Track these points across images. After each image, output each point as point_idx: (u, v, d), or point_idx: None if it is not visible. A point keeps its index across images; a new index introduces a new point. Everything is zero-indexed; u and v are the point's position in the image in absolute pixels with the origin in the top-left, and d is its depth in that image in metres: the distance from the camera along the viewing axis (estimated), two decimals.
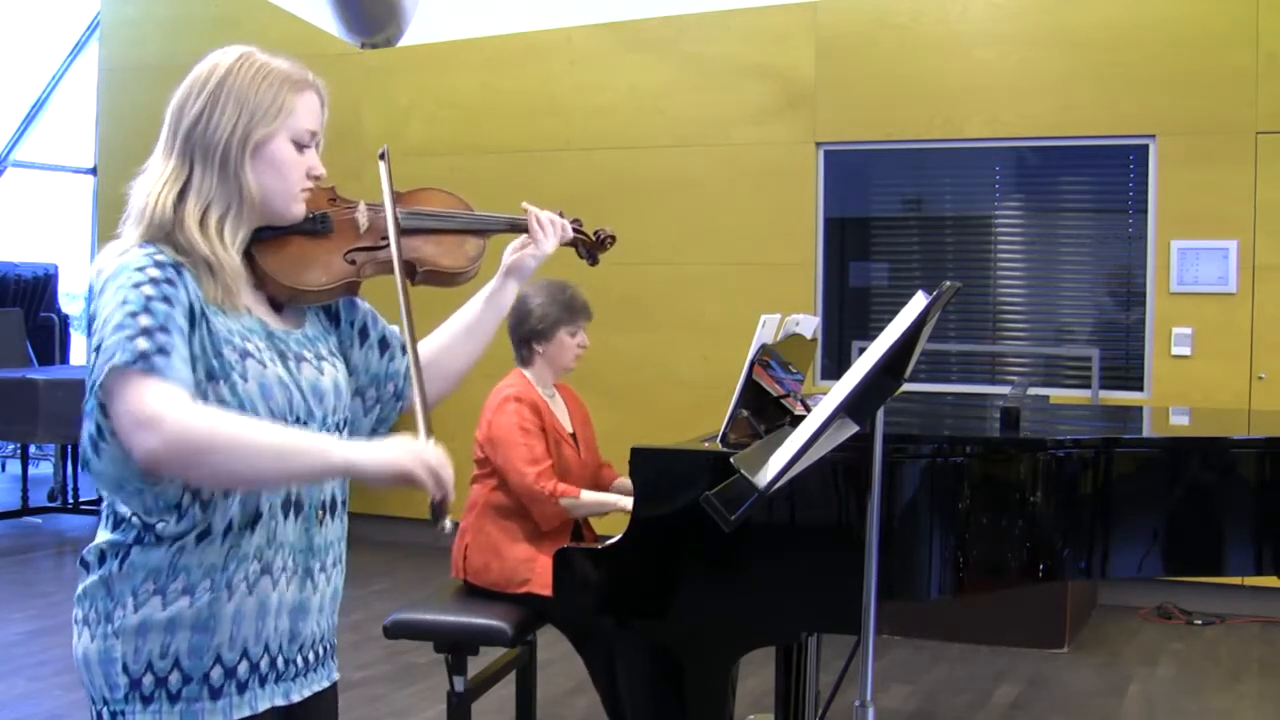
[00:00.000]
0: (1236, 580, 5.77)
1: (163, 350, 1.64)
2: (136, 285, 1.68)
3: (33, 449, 9.15)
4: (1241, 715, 4.71)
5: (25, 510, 8.40)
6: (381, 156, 2.06)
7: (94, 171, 9.05)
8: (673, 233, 7.06)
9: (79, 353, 10.79)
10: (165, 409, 1.60)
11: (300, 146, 1.84)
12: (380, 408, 2.02)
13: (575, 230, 2.35)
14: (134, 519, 1.75)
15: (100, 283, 1.71)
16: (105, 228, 8.72)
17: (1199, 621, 5.94)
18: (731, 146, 6.99)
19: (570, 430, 3.97)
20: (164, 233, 1.75)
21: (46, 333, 9.68)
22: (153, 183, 1.79)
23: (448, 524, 1.76)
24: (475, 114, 7.53)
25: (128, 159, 7.80)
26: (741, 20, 6.96)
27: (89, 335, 1.71)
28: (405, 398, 2.04)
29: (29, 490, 8.48)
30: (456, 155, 7.46)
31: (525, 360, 3.94)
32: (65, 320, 10.11)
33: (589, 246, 2.40)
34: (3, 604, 6.13)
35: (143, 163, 1.87)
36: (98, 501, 8.54)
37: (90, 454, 1.71)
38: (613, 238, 2.39)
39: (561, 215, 2.35)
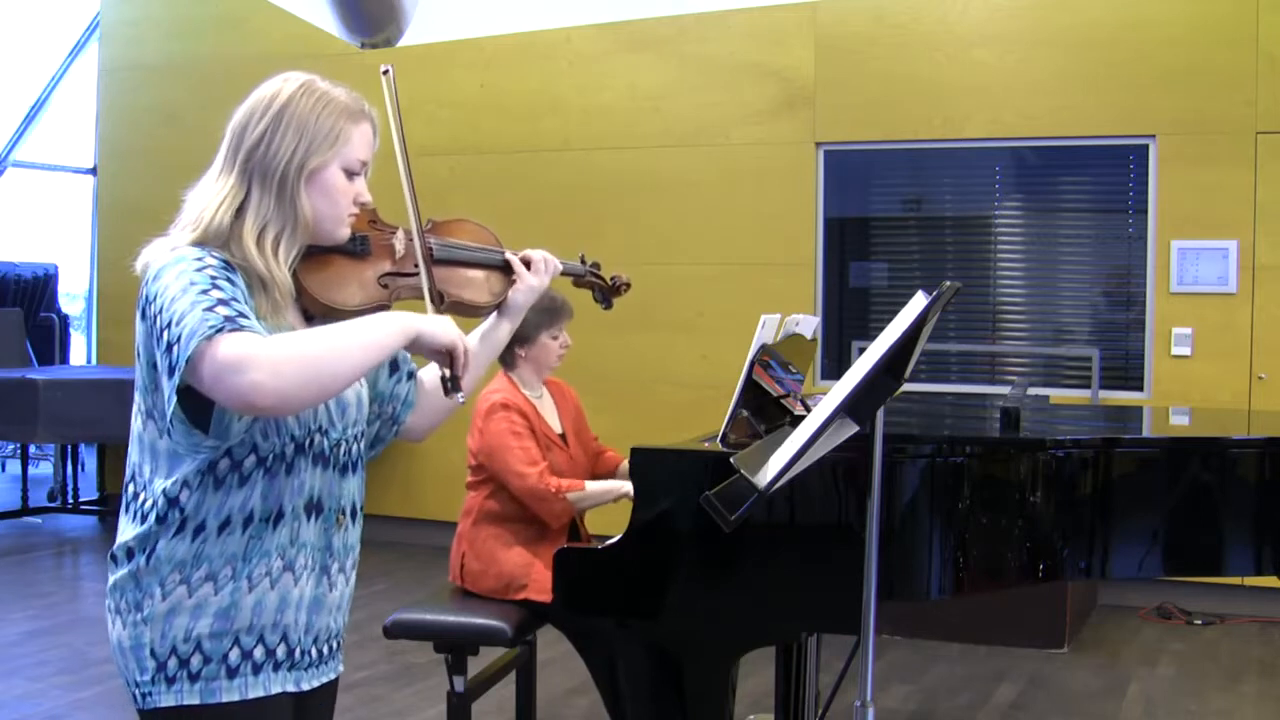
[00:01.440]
0: (1236, 580, 5.78)
1: (243, 314, 1.73)
2: (200, 269, 1.77)
3: (33, 449, 9.16)
4: (1241, 715, 4.71)
5: (25, 510, 8.41)
6: (385, 73, 2.12)
7: (94, 171, 9.04)
8: (673, 233, 7.06)
9: (79, 353, 10.80)
10: (255, 347, 1.69)
11: (351, 174, 1.93)
12: (380, 425, 2.11)
13: (593, 274, 2.42)
14: (166, 497, 1.82)
15: (154, 272, 1.79)
16: (105, 228, 8.72)
17: (1199, 621, 5.94)
18: (731, 146, 6.99)
19: (560, 430, 3.96)
20: (220, 242, 1.84)
21: (46, 333, 9.68)
22: (211, 196, 1.87)
23: (462, 396, 1.95)
24: (475, 114, 7.53)
25: (128, 159, 7.82)
26: (741, 20, 6.96)
27: (143, 318, 1.78)
28: (400, 422, 2.13)
29: (29, 490, 8.49)
30: (456, 155, 7.46)
31: (509, 363, 3.94)
32: (65, 320, 10.11)
33: (604, 291, 2.47)
34: (3, 604, 6.13)
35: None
36: (97, 501, 8.62)
37: (167, 426, 1.79)
38: (628, 284, 2.49)
39: (583, 260, 2.42)
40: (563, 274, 2.29)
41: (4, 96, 9.95)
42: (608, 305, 2.50)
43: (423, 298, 2.02)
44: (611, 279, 2.47)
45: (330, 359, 1.75)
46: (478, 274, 2.14)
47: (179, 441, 1.82)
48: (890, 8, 6.66)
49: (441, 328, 1.90)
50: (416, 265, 2.02)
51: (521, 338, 3.87)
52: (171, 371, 1.72)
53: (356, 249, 1.98)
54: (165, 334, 1.72)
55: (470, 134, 7.52)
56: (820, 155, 6.90)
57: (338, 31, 6.74)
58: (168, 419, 1.78)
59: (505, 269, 2.17)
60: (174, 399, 1.74)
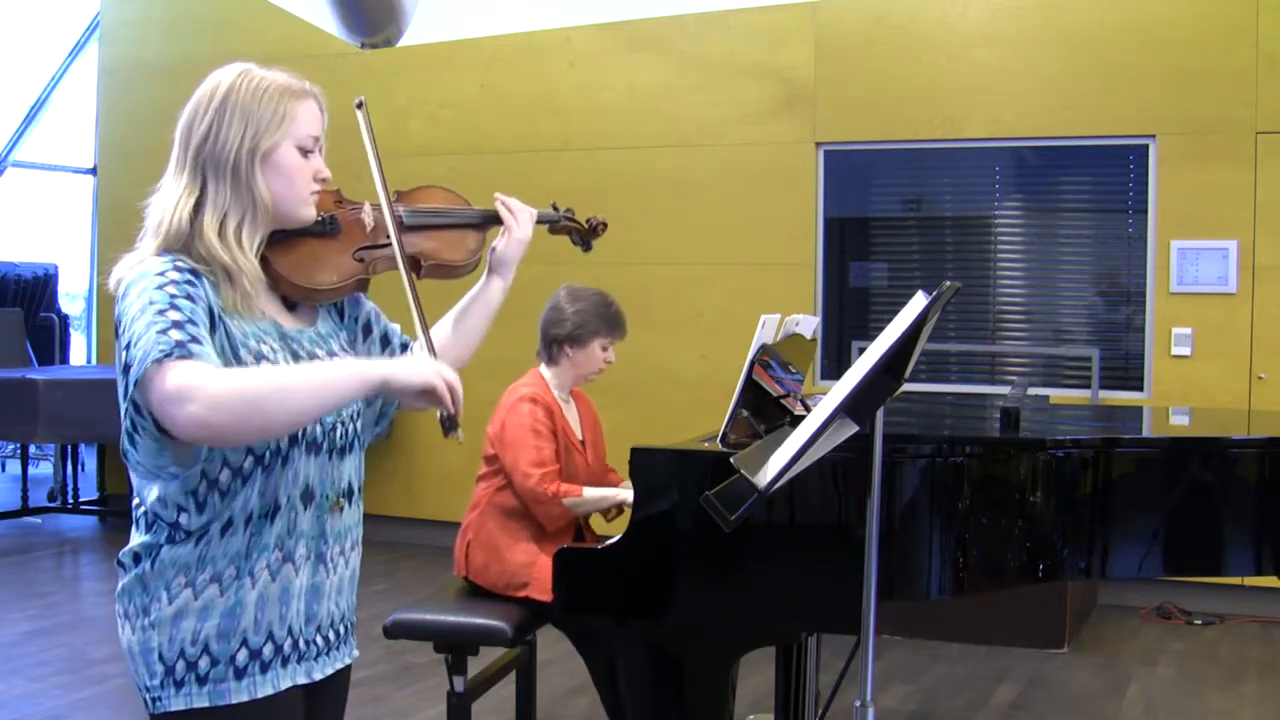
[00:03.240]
0: (1236, 580, 5.78)
1: (195, 339, 1.72)
2: (160, 286, 1.76)
3: (33, 449, 9.15)
4: (1241, 715, 4.71)
5: (25, 510, 8.40)
6: (359, 106, 2.16)
7: (94, 171, 9.04)
8: (673, 233, 7.06)
9: (79, 353, 10.80)
10: (199, 379, 1.68)
11: (305, 152, 1.92)
12: (380, 401, 2.10)
13: (568, 219, 2.45)
14: (163, 518, 1.84)
15: (122, 289, 1.81)
16: (105, 228, 8.73)
17: (1199, 621, 5.94)
18: (731, 146, 6.98)
19: (581, 437, 3.96)
20: (181, 243, 1.84)
21: (46, 333, 9.67)
22: (168, 199, 1.88)
23: (461, 434, 1.85)
24: (475, 114, 7.53)
25: (128, 159, 7.83)
26: (741, 20, 6.96)
27: (118, 337, 1.79)
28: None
29: (29, 490, 8.48)
30: (456, 155, 7.46)
31: (551, 359, 3.91)
32: (65, 320, 10.11)
33: (581, 234, 2.50)
34: (3, 604, 6.13)
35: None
36: (97, 501, 8.62)
37: (127, 446, 1.81)
38: (604, 224, 2.51)
39: (555, 207, 2.44)
40: (538, 222, 2.32)
41: (4, 96, 9.95)
42: (587, 248, 2.54)
43: (399, 269, 2.01)
44: (588, 220, 2.51)
45: (274, 399, 1.72)
46: (452, 234, 2.15)
47: (142, 461, 1.81)
48: (890, 8, 6.66)
49: (412, 368, 1.82)
50: (389, 235, 2.02)
51: (575, 338, 3.85)
52: (126, 392, 1.74)
53: (327, 229, 1.98)
54: (124, 354, 1.74)
55: (470, 134, 7.52)
56: (820, 155, 6.90)
57: (338, 31, 6.74)
58: (122, 438, 1.79)
59: (479, 226, 2.19)
60: (128, 418, 1.76)
